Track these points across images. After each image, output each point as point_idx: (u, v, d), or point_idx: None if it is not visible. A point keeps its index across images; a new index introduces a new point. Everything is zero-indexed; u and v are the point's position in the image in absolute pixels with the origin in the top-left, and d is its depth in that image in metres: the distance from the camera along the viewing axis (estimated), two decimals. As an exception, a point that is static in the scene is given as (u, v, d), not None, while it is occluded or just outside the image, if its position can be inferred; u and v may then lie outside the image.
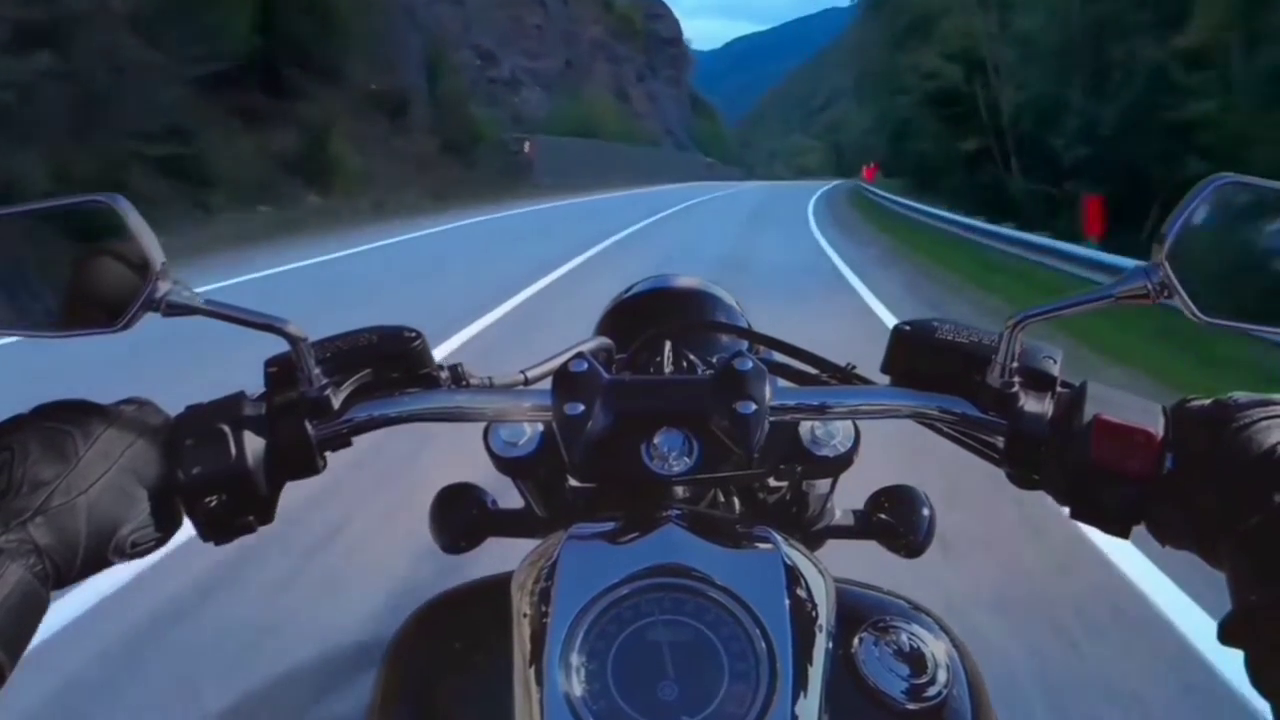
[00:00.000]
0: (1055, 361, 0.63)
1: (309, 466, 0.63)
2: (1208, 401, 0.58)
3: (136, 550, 0.57)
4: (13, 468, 0.53)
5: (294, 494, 0.64)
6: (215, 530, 0.60)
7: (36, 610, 0.52)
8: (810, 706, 0.52)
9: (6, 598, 0.50)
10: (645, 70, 66.27)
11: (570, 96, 45.83)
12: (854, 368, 0.79)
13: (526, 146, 35.51)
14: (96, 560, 0.55)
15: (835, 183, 48.39)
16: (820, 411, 0.68)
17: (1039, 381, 0.62)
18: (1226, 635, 0.50)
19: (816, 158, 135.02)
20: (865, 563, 0.91)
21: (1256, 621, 0.49)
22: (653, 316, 0.99)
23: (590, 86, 49.46)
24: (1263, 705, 0.49)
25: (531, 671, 0.53)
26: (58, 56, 13.26)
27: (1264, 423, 0.54)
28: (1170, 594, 2.68)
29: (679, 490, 0.67)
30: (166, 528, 0.59)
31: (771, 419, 0.64)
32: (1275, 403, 0.55)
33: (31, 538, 0.52)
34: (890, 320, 6.91)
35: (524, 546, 0.67)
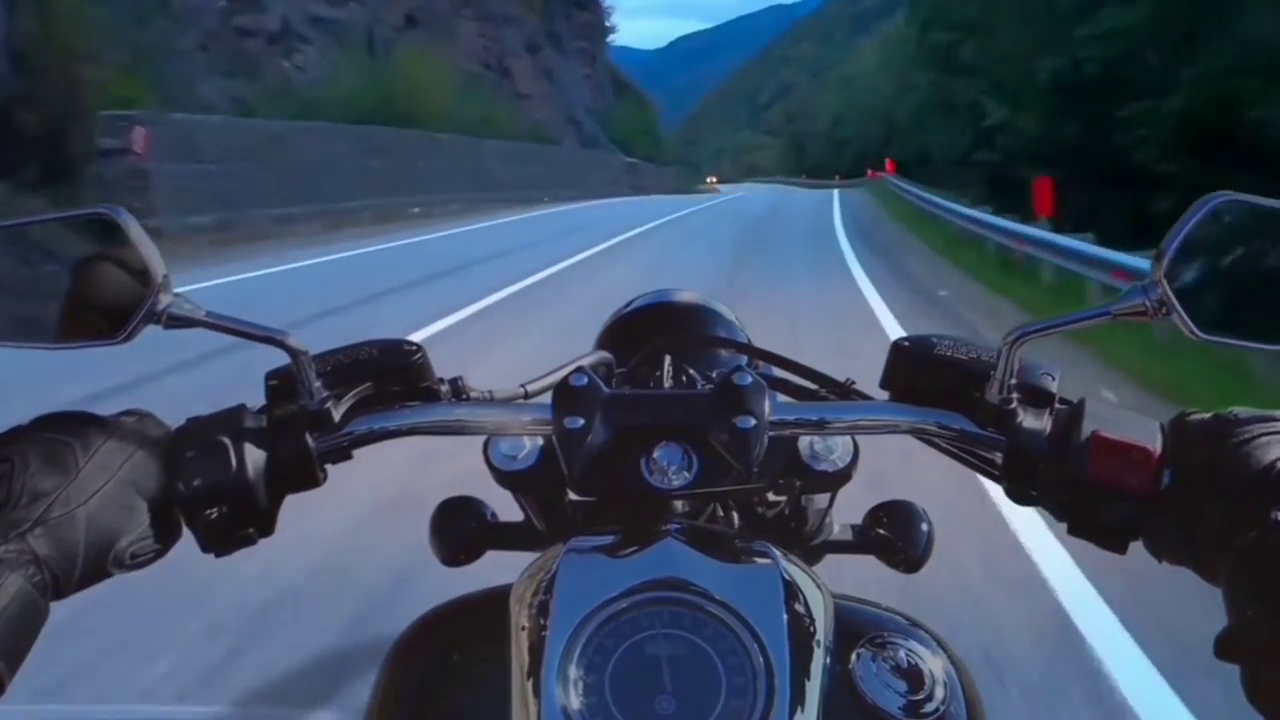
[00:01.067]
0: (1054, 378, 0.63)
1: (309, 479, 0.63)
2: (1207, 416, 0.58)
3: (136, 561, 0.57)
4: (12, 479, 0.53)
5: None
6: (216, 542, 0.60)
7: (36, 620, 0.52)
8: None
9: (6, 608, 0.50)
10: (541, 38, 45.99)
11: (369, 60, 27.63)
12: (853, 383, 0.79)
13: (136, 141, 15.87)
14: (95, 571, 0.55)
15: (832, 193, 32.45)
16: (819, 426, 0.69)
17: (1037, 398, 0.63)
18: (1223, 650, 0.50)
19: (769, 155, 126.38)
20: (864, 578, 0.91)
21: (1254, 637, 0.49)
22: (653, 331, 0.98)
23: (450, 54, 31.06)
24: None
25: (529, 684, 0.53)
26: None
27: (1264, 438, 0.54)
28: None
29: (678, 504, 0.67)
30: (166, 539, 0.59)
31: (771, 434, 0.64)
32: (1275, 418, 0.55)
33: (31, 548, 0.52)
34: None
35: (523, 560, 0.67)
